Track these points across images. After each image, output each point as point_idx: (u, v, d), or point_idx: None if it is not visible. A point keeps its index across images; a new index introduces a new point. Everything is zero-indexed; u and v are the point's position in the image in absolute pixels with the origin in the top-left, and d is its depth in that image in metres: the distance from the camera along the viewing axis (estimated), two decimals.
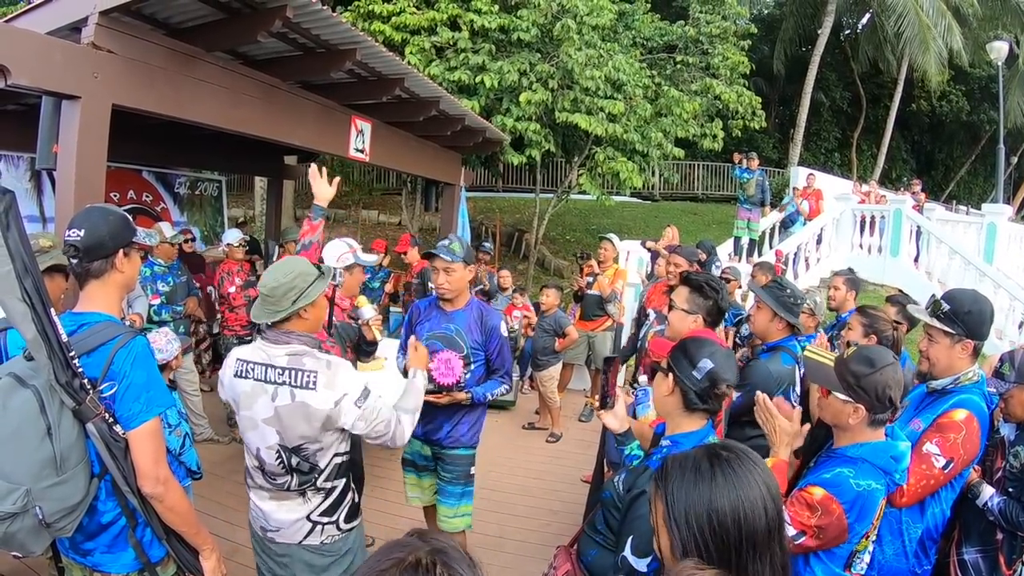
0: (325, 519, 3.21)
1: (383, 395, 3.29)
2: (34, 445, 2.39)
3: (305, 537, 3.20)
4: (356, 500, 3.40)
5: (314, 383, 2.97)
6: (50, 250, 3.55)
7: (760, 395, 3.15)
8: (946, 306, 3.54)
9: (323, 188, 4.45)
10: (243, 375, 3.12)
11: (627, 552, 2.45)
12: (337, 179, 4.58)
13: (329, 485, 3.17)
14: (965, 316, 3.48)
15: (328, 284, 3.21)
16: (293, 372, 3.00)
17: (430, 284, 8.52)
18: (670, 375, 2.78)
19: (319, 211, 4.54)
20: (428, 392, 4.25)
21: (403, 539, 1.42)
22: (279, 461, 3.08)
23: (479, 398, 4.62)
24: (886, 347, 3.96)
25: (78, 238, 2.64)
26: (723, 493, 1.71)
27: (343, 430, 3.12)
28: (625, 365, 8.57)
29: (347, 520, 3.29)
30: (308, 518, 3.18)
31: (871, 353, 2.96)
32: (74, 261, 2.68)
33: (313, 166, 4.71)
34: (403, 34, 13.02)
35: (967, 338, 3.48)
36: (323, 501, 3.18)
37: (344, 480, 3.24)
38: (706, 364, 2.71)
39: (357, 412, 3.03)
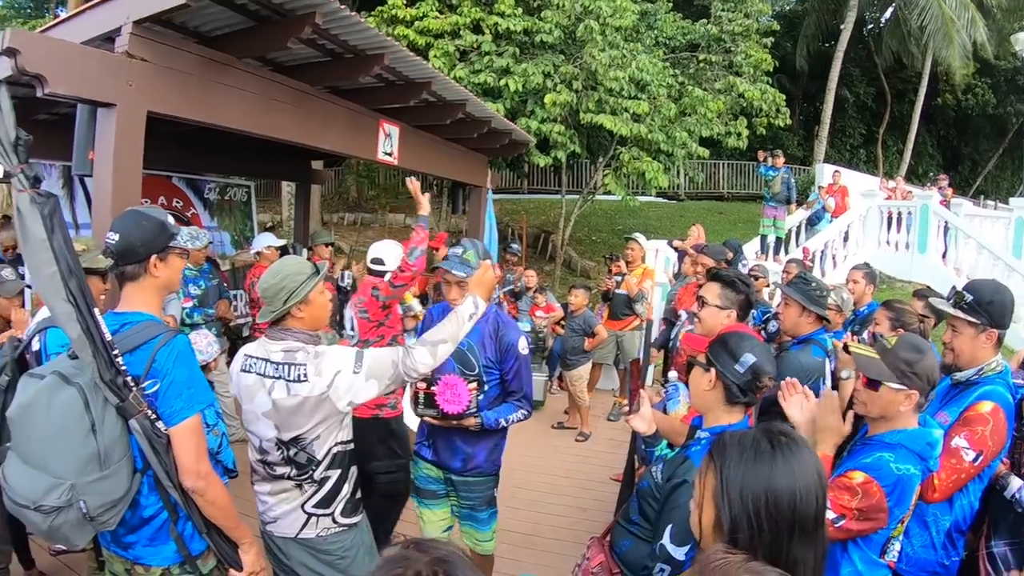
0: (320, 511, 3.26)
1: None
2: (79, 441, 2.45)
3: (301, 529, 3.26)
4: (358, 496, 3.44)
5: (305, 375, 3.07)
6: (83, 254, 3.63)
7: (789, 379, 3.19)
8: (968, 296, 3.55)
9: (422, 199, 5.32)
10: (247, 370, 3.23)
11: (665, 540, 2.48)
12: (427, 195, 5.28)
13: (322, 475, 3.23)
14: (988, 306, 3.49)
15: (320, 282, 3.24)
16: (287, 367, 3.10)
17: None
18: (712, 370, 2.81)
19: (425, 220, 5.57)
20: (432, 417, 4.09)
21: (400, 552, 1.38)
22: (280, 452, 3.19)
23: (490, 424, 4.07)
24: None
25: (113, 242, 2.72)
26: (782, 475, 1.74)
27: (342, 415, 3.21)
28: (654, 365, 8.61)
29: (344, 514, 3.33)
30: (303, 508, 3.24)
31: (914, 340, 3.02)
32: (111, 263, 2.78)
33: (412, 180, 5.72)
34: (427, 38, 13.12)
35: (991, 327, 3.50)
36: (317, 491, 3.24)
37: (339, 471, 3.28)
38: (749, 358, 2.76)
39: (360, 379, 3.10)
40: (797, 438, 1.85)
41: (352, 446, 3.38)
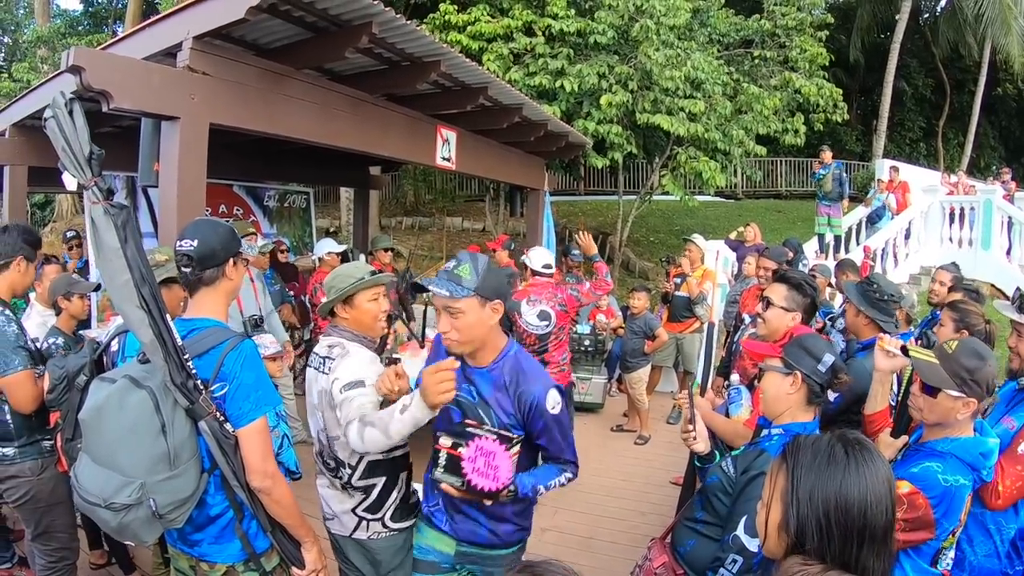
0: (369, 515, 3.36)
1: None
2: (150, 441, 2.54)
3: (353, 531, 3.39)
4: (410, 500, 3.51)
5: (329, 369, 3.26)
6: (166, 263, 3.73)
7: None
8: None
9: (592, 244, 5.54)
10: (310, 364, 3.48)
11: (740, 531, 2.55)
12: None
13: (364, 484, 3.32)
14: None
15: (371, 288, 3.44)
16: (325, 360, 3.32)
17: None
18: (795, 373, 2.91)
19: (598, 256, 7.14)
20: (453, 487, 2.89)
21: None
22: (320, 444, 3.43)
23: (526, 492, 3.00)
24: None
25: (191, 248, 2.80)
26: (854, 482, 1.73)
27: None
28: (714, 368, 8.61)
29: (395, 519, 3.41)
30: (354, 512, 3.36)
31: (976, 345, 2.95)
32: (187, 270, 2.85)
33: (582, 235, 6.94)
34: (480, 43, 13.18)
35: None
36: (364, 498, 3.35)
37: (384, 479, 3.36)
38: (829, 359, 2.92)
39: (340, 397, 3.12)
40: (871, 447, 1.83)
41: (400, 452, 3.44)
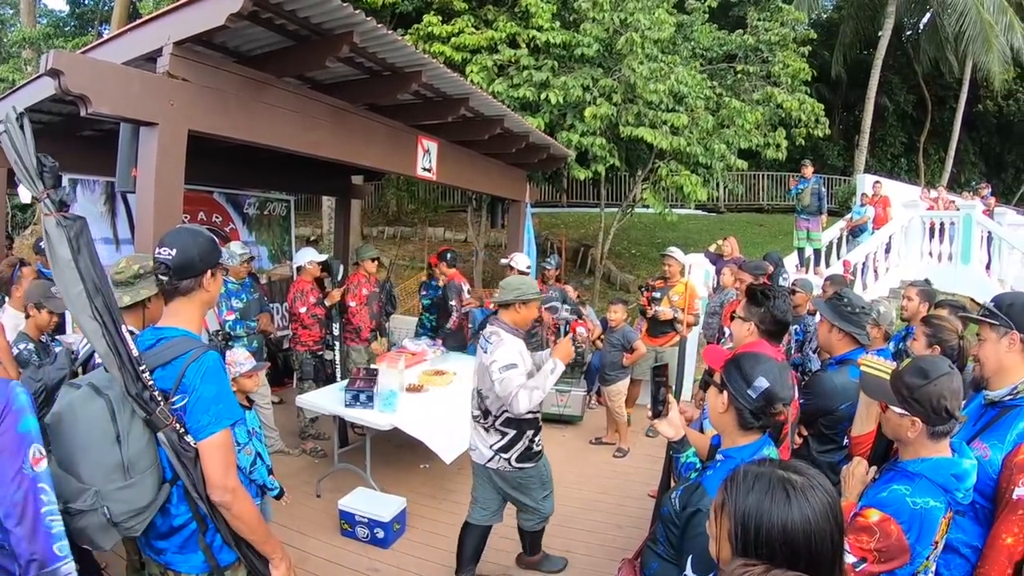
0: (501, 454, 4.87)
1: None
2: (104, 450, 2.54)
3: (487, 462, 4.92)
4: (534, 450, 4.97)
5: (486, 349, 4.76)
6: (144, 277, 3.70)
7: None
8: (991, 303, 3.43)
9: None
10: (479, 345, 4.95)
11: (688, 571, 2.45)
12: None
13: (503, 430, 4.82)
14: (1008, 308, 3.28)
15: (536, 301, 4.93)
16: (487, 343, 4.81)
17: (452, 303, 9.14)
18: (725, 392, 2.74)
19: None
20: None
21: None
22: (476, 399, 4.97)
23: None
24: (950, 357, 3.86)
25: (169, 257, 2.76)
26: (797, 521, 1.70)
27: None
28: (694, 380, 8.57)
29: (519, 460, 4.90)
30: (490, 447, 4.87)
31: (925, 364, 2.82)
32: (163, 278, 2.81)
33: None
34: (464, 54, 13.22)
35: (1013, 330, 3.33)
36: (499, 440, 4.85)
37: (515, 432, 4.83)
38: (761, 383, 2.66)
39: (497, 376, 4.56)
40: (811, 478, 1.81)
41: (529, 416, 4.84)
